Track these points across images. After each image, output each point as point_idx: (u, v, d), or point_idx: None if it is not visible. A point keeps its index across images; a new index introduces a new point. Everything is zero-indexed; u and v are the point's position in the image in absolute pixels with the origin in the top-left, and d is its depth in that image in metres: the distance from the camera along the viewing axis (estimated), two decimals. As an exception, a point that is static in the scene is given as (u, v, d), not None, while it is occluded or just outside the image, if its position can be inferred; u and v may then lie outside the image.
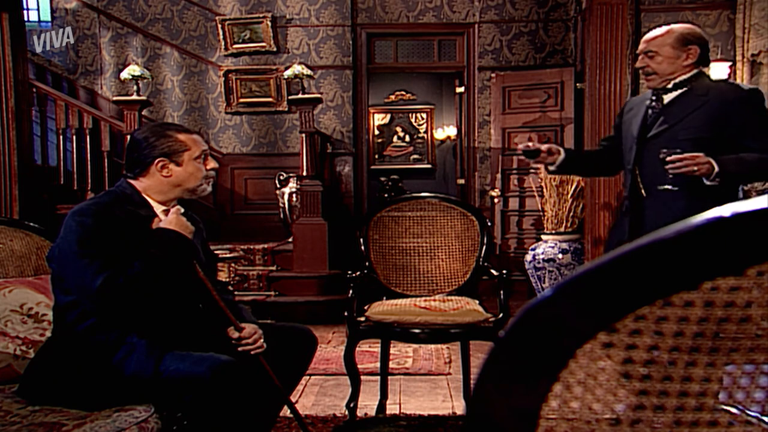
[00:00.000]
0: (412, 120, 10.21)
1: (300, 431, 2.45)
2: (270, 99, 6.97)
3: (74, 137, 6.01)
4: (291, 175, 6.18)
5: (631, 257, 0.45)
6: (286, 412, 2.33)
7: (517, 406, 0.51)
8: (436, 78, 9.80)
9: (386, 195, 8.48)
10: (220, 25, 6.86)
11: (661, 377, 0.48)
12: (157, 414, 1.81)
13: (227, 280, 5.53)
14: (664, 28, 2.51)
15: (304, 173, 5.87)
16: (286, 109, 6.90)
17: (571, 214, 5.38)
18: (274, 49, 6.90)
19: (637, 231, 2.49)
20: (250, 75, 6.94)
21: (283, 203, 6.16)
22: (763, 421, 0.48)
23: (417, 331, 2.70)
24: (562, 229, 5.39)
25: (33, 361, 1.97)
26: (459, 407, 3.25)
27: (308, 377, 3.76)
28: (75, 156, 6.01)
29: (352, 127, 6.96)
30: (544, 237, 5.50)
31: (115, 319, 1.87)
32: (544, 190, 5.51)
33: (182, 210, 2.03)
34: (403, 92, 10.15)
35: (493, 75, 6.54)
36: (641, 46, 2.52)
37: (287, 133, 7.04)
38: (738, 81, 4.86)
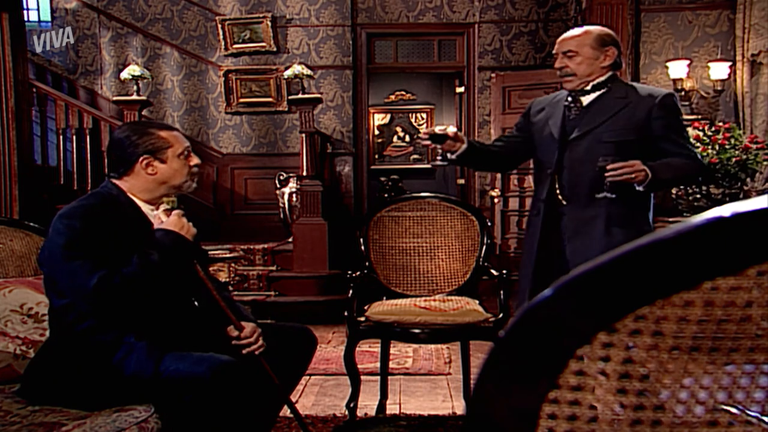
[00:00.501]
0: (412, 120, 10.21)
1: (300, 431, 2.45)
2: (270, 99, 6.97)
3: (74, 137, 6.01)
4: (291, 175, 6.18)
5: (631, 257, 0.45)
6: (286, 412, 2.33)
7: (517, 406, 0.51)
8: (436, 78, 9.80)
9: (386, 195, 8.48)
10: (220, 25, 6.86)
11: (661, 377, 0.48)
12: (157, 414, 1.81)
13: (227, 280, 5.53)
14: (581, 29, 2.50)
15: (304, 173, 5.87)
16: (286, 109, 6.90)
17: (571, 214, 5.38)
18: (274, 49, 6.90)
19: (554, 236, 2.45)
20: (250, 75, 6.94)
21: (283, 203, 6.16)
22: (763, 421, 0.48)
23: (417, 331, 2.70)
24: (562, 229, 5.39)
25: (33, 362, 1.97)
26: (459, 407, 3.25)
27: (308, 377, 3.75)
28: (75, 156, 6.02)
29: (352, 127, 6.96)
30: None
31: (112, 318, 1.86)
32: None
33: (183, 212, 2.03)
34: (403, 92, 10.15)
35: (493, 75, 6.54)
36: (558, 46, 2.49)
37: (287, 133, 7.04)
38: (738, 81, 4.86)
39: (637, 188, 2.28)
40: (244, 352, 2.04)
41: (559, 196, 2.45)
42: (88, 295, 1.79)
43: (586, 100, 2.47)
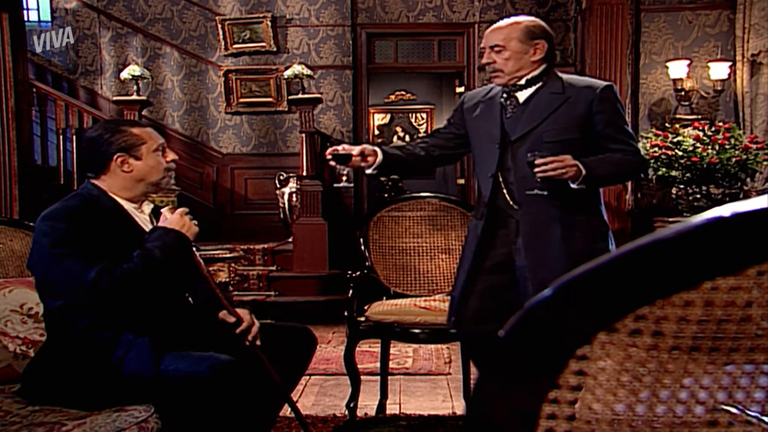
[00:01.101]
0: (412, 120, 10.22)
1: (300, 431, 2.45)
2: (270, 99, 6.97)
3: (74, 137, 6.01)
4: (291, 175, 6.18)
5: (631, 257, 0.45)
6: (285, 411, 2.33)
7: (517, 406, 0.51)
8: (436, 78, 9.80)
9: (386, 195, 8.48)
10: (220, 25, 6.86)
11: (661, 377, 0.48)
12: (157, 414, 1.81)
13: (227, 280, 5.53)
14: (508, 20, 2.33)
15: (304, 173, 5.87)
16: (286, 109, 6.90)
17: (571, 214, 5.38)
18: (274, 49, 6.90)
19: (500, 241, 2.34)
20: (250, 75, 6.94)
21: (283, 203, 6.16)
22: (763, 421, 0.48)
23: (417, 331, 2.70)
24: (562, 229, 5.39)
25: (32, 362, 1.97)
26: (459, 407, 3.25)
27: (308, 377, 3.76)
28: (75, 156, 6.01)
29: (352, 127, 6.96)
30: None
31: (110, 314, 1.86)
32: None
33: (188, 210, 2.02)
34: (403, 92, 10.15)
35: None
36: (484, 40, 2.33)
37: (287, 133, 7.04)
38: (738, 81, 4.86)
39: (572, 185, 2.16)
40: (248, 337, 2.05)
41: (510, 201, 2.31)
42: (87, 289, 1.78)
43: (522, 96, 2.31)
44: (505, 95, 2.33)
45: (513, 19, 2.34)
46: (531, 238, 2.26)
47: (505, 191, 2.31)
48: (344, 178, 2.53)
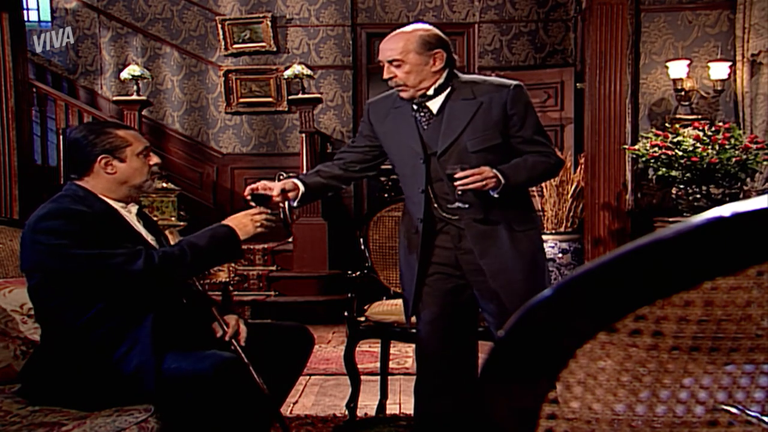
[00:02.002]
0: (412, 120, 10.22)
1: (301, 431, 2.45)
2: (270, 99, 6.97)
3: (74, 137, 6.01)
4: (291, 175, 6.16)
5: (631, 257, 0.45)
6: (286, 412, 2.34)
7: (517, 406, 0.51)
8: (436, 78, 9.81)
9: (386, 195, 8.47)
10: (220, 25, 6.86)
11: (661, 377, 0.48)
12: (157, 414, 1.81)
13: (227, 280, 5.53)
14: (400, 32, 2.23)
15: (304, 173, 5.87)
16: (286, 109, 6.90)
17: (571, 214, 5.38)
18: (274, 49, 6.90)
19: (448, 245, 2.30)
20: (250, 75, 6.94)
21: (283, 203, 6.16)
22: (763, 421, 0.48)
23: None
24: (562, 229, 5.39)
25: (29, 362, 1.97)
26: (459, 407, 3.24)
27: (308, 377, 3.76)
28: (75, 156, 6.01)
29: (352, 127, 6.96)
30: (544, 237, 5.49)
31: (115, 312, 1.87)
32: (544, 190, 5.51)
33: (260, 211, 2.11)
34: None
35: (493, 75, 6.54)
36: (382, 54, 2.23)
37: (287, 133, 7.04)
38: (738, 81, 4.86)
39: (492, 194, 2.15)
40: (240, 341, 2.09)
41: (443, 213, 2.27)
42: (137, 275, 1.84)
43: (433, 105, 2.25)
44: (415, 106, 2.26)
45: (406, 29, 2.25)
46: (481, 245, 2.24)
47: (437, 204, 2.28)
48: (281, 216, 2.48)
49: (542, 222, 2.38)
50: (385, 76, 2.24)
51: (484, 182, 2.10)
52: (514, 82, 2.25)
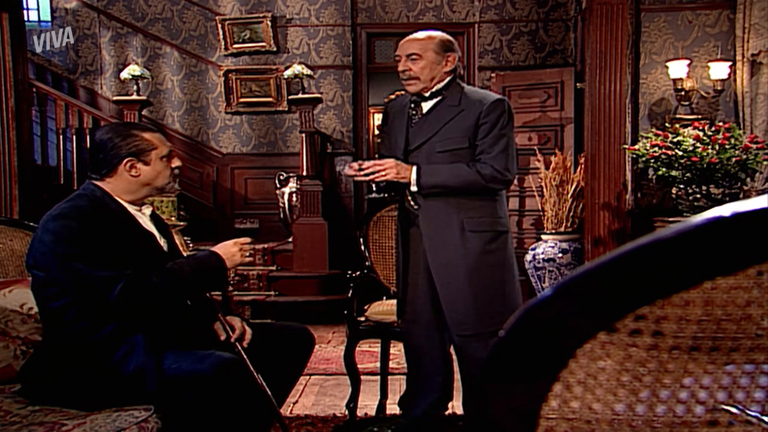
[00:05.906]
0: (412, 120, 10.22)
1: (301, 431, 2.45)
2: (270, 99, 6.97)
3: (74, 137, 6.01)
4: (291, 175, 6.18)
5: (631, 257, 0.45)
6: (287, 412, 2.34)
7: (517, 406, 0.51)
8: (436, 78, 9.81)
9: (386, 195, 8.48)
10: (220, 25, 6.86)
11: (661, 377, 0.48)
12: (158, 414, 1.81)
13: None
14: (425, 33, 2.48)
15: (304, 173, 5.87)
16: (286, 109, 6.90)
17: (571, 213, 5.38)
18: (274, 49, 6.90)
19: (416, 240, 2.48)
20: (250, 75, 6.94)
21: (283, 203, 6.16)
22: (763, 421, 0.48)
23: (417, 331, 2.69)
24: (562, 229, 5.39)
25: (29, 362, 1.97)
26: (459, 407, 3.25)
27: (308, 377, 3.76)
28: (75, 156, 6.01)
29: (352, 127, 6.96)
30: (544, 237, 5.50)
31: (113, 318, 1.87)
32: (544, 189, 5.51)
33: (249, 241, 2.08)
34: (403, 92, 10.14)
35: (493, 75, 6.54)
36: (401, 49, 2.47)
37: (287, 133, 7.04)
38: (738, 81, 4.86)
39: (412, 188, 2.34)
40: (244, 344, 2.08)
41: (412, 204, 2.45)
42: (110, 302, 1.80)
43: (426, 106, 2.47)
44: (412, 105, 2.49)
45: (429, 32, 2.49)
46: (431, 240, 2.41)
47: (409, 196, 2.46)
48: (374, 190, 2.59)
49: (508, 231, 2.45)
50: (401, 68, 2.45)
51: (385, 172, 2.29)
52: (497, 97, 2.45)
